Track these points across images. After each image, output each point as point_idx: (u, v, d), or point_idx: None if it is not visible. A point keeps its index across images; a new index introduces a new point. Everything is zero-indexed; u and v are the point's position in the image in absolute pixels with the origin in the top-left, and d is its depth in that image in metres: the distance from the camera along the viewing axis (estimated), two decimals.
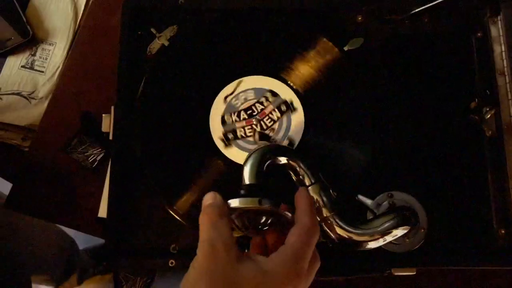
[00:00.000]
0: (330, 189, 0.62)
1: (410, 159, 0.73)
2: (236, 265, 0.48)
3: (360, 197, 0.68)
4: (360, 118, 0.73)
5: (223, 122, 0.74)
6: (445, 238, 0.70)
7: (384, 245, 0.64)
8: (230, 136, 0.73)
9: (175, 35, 0.77)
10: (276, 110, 0.74)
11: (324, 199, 0.61)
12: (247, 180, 0.58)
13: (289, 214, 0.56)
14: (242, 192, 0.57)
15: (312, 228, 0.52)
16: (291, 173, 0.63)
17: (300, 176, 0.62)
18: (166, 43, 0.77)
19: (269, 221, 0.56)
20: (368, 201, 0.67)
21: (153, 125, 0.73)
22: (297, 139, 0.73)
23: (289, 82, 0.74)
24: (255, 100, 0.74)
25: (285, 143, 0.73)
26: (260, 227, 0.56)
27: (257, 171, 0.59)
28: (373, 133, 0.72)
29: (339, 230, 0.61)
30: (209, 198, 0.54)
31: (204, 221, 0.51)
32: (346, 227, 0.61)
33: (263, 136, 0.73)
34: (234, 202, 0.55)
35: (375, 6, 0.77)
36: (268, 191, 0.57)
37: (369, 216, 0.67)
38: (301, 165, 0.62)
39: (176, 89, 0.74)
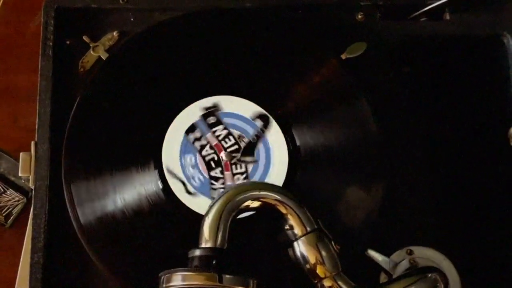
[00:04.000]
0: (331, 240, 0.63)
1: (434, 203, 0.73)
2: None
3: (371, 252, 0.68)
4: (367, 148, 0.73)
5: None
6: None
7: None
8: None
9: (115, 45, 0.77)
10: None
11: (323, 253, 0.62)
12: (205, 241, 0.60)
13: None
14: (197, 255, 0.59)
15: None
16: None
17: (290, 224, 0.63)
18: (104, 56, 0.77)
19: None
20: (382, 259, 0.67)
21: (89, 166, 0.72)
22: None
23: (269, 105, 0.75)
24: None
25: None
26: None
27: (223, 228, 0.61)
28: (385, 168, 0.73)
29: None
30: None
31: None
32: None
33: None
34: (182, 277, 0.57)
35: (378, 1, 0.78)
36: (234, 258, 0.59)
37: (383, 278, 0.68)
38: (292, 208, 0.63)
39: (119, 117, 0.74)
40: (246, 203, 0.64)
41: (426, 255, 0.67)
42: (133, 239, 0.71)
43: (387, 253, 0.68)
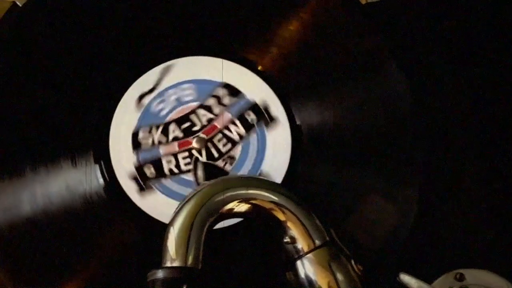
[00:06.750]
0: (351, 258, 0.62)
1: (491, 211, 0.73)
2: None
3: (405, 277, 0.67)
4: (399, 133, 0.73)
5: (136, 144, 0.73)
6: None
7: None
8: (149, 171, 0.72)
9: None
10: (238, 122, 0.74)
11: (339, 276, 0.61)
12: (170, 259, 0.59)
13: None
14: (159, 278, 0.58)
15: None
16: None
17: (292, 235, 0.62)
18: (21, 1, 0.76)
19: None
20: (420, 285, 0.67)
21: (3, 160, 0.73)
22: (277, 175, 0.72)
23: (259, 67, 0.75)
24: (197, 104, 0.74)
25: None
26: None
27: (195, 240, 0.60)
28: (423, 162, 0.73)
29: None
30: None
31: None
32: None
33: (211, 170, 0.73)
34: None
35: None
36: (212, 281, 0.59)
37: None
38: (295, 213, 0.62)
39: (44, 89, 0.74)
40: (228, 206, 0.63)
41: (483, 280, 0.67)
42: (64, 255, 0.71)
43: (427, 278, 0.67)
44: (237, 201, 0.63)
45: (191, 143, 0.74)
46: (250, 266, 0.70)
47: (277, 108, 0.74)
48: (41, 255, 0.71)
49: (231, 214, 0.64)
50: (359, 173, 0.73)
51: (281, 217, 0.63)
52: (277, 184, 0.67)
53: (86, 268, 0.71)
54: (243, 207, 0.63)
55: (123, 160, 0.73)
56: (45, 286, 0.71)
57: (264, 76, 0.75)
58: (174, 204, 0.71)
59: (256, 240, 0.70)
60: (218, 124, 0.74)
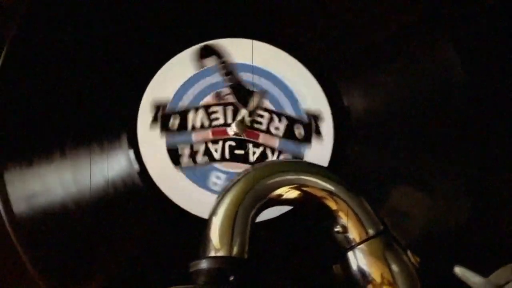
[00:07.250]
0: (407, 250, 0.61)
1: None
2: None
3: (460, 270, 0.65)
4: (451, 118, 0.72)
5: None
6: None
7: None
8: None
9: None
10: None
11: (394, 268, 0.60)
12: (214, 249, 0.58)
13: None
14: (204, 268, 0.57)
15: None
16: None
17: (343, 224, 0.60)
18: None
19: None
20: (476, 279, 0.65)
21: (29, 144, 0.73)
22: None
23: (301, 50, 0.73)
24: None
25: None
26: None
27: (241, 228, 0.59)
28: (481, 145, 0.72)
29: None
30: None
31: None
32: None
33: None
34: None
35: None
36: (258, 270, 0.58)
37: None
38: (348, 203, 0.61)
39: (71, 69, 0.74)
40: (277, 192, 0.61)
41: None
42: (92, 245, 0.72)
43: (483, 271, 0.65)
44: (287, 187, 0.61)
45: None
46: (295, 256, 0.71)
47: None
48: (71, 243, 0.71)
49: (279, 200, 0.62)
50: (412, 153, 0.73)
51: (332, 205, 0.62)
52: (328, 170, 0.66)
53: (113, 259, 0.71)
54: (292, 194, 0.62)
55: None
56: (74, 276, 0.71)
57: (302, 58, 0.74)
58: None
59: (302, 228, 0.70)
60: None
